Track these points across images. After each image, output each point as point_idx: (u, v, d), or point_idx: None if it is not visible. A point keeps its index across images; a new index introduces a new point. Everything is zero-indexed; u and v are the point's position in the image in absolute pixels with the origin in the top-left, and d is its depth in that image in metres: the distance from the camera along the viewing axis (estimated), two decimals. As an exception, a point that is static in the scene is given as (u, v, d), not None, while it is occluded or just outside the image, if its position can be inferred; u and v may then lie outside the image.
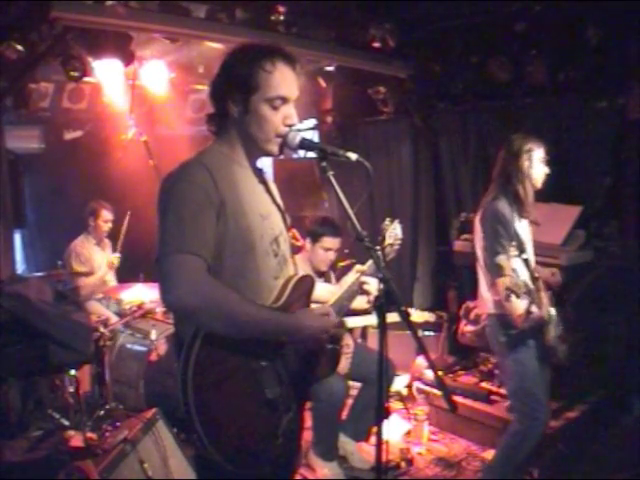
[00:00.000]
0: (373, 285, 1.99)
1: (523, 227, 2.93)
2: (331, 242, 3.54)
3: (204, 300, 1.55)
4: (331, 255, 3.58)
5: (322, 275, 3.64)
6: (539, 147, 2.94)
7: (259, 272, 1.73)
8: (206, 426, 1.56)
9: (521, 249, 2.78)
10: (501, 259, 2.63)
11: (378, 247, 2.22)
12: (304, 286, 1.88)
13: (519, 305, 2.74)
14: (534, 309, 2.73)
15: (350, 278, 2.07)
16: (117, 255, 4.74)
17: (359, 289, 2.03)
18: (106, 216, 4.77)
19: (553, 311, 2.88)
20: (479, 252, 2.97)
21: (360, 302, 2.07)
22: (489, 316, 3.00)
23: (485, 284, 2.97)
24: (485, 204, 2.95)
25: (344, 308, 2.02)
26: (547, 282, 2.98)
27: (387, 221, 2.35)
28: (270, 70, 1.69)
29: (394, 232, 2.34)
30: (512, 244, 2.74)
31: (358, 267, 2.06)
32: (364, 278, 2.02)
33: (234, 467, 1.61)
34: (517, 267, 2.80)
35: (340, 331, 3.56)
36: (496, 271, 2.72)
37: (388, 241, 2.30)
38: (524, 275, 2.81)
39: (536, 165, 2.92)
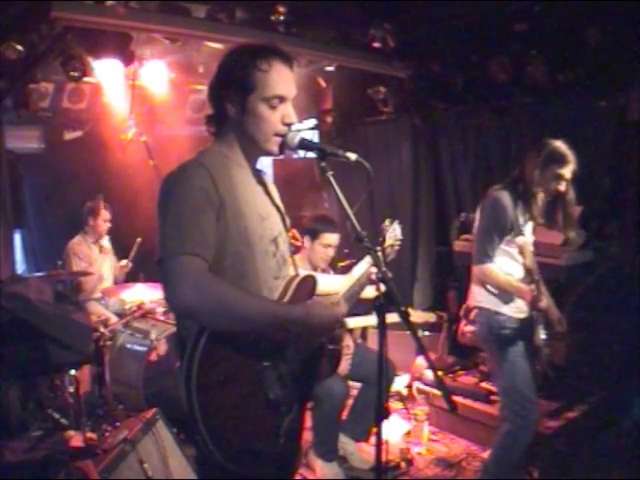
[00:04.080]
0: None
1: (526, 227, 2.92)
2: (330, 238, 3.54)
3: (207, 299, 1.55)
4: (330, 252, 3.57)
5: (320, 268, 3.63)
6: (564, 165, 2.85)
7: (258, 273, 1.73)
8: (209, 425, 1.56)
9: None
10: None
11: (379, 248, 2.23)
12: (307, 286, 1.88)
13: (498, 275, 2.84)
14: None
15: (361, 268, 2.07)
16: (125, 262, 4.82)
17: (368, 279, 2.03)
18: (105, 215, 4.79)
19: (540, 315, 2.89)
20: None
21: (370, 292, 2.08)
22: (480, 310, 3.00)
23: (474, 275, 2.98)
24: (490, 192, 2.96)
25: (354, 298, 2.03)
26: (552, 322, 2.97)
27: (387, 222, 2.35)
28: (266, 69, 1.69)
29: (394, 233, 2.35)
30: (508, 235, 2.75)
31: (369, 258, 2.07)
32: (373, 268, 2.03)
33: (236, 467, 1.61)
34: (508, 259, 2.85)
35: (341, 331, 3.57)
36: (484, 254, 2.82)
37: (388, 242, 2.31)
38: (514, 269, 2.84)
39: (550, 180, 2.87)
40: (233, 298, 1.60)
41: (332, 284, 2.14)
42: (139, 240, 4.78)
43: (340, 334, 3.52)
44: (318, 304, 1.76)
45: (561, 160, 2.86)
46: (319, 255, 3.55)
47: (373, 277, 2.01)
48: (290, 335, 1.68)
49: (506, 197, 2.85)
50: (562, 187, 2.89)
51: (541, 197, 2.89)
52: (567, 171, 2.87)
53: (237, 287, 1.64)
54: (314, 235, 3.55)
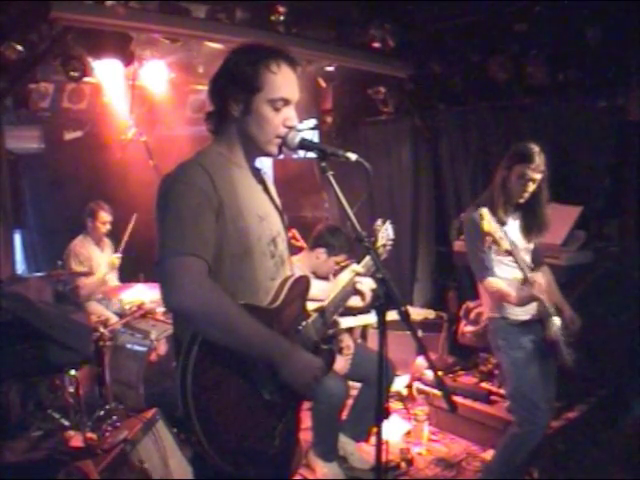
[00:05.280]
0: (366, 285, 1.99)
1: (511, 231, 2.84)
2: (344, 257, 3.55)
3: (206, 305, 1.55)
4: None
5: (323, 278, 3.62)
6: (529, 164, 2.73)
7: (256, 274, 1.73)
8: (205, 428, 1.56)
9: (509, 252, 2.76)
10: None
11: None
12: (300, 287, 1.87)
13: (498, 283, 2.79)
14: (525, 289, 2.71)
15: (345, 277, 2.07)
16: (118, 255, 4.74)
17: (353, 289, 2.02)
18: (104, 217, 4.75)
19: (554, 309, 2.87)
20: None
21: (355, 301, 2.07)
22: (488, 319, 3.01)
23: (482, 290, 2.98)
24: (467, 211, 2.92)
25: (339, 308, 2.02)
26: (567, 327, 2.93)
27: (379, 222, 2.37)
28: (275, 71, 1.69)
29: (386, 233, 2.36)
30: (496, 247, 2.72)
31: (353, 267, 2.07)
32: (358, 278, 2.02)
33: (233, 468, 1.61)
34: (503, 266, 2.84)
35: (336, 331, 3.57)
36: (482, 270, 2.81)
37: (380, 242, 2.33)
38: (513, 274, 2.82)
39: (515, 182, 2.77)
40: (229, 312, 1.59)
41: (317, 292, 2.09)
42: (135, 215, 4.65)
43: (335, 333, 3.55)
44: (305, 353, 1.72)
45: (525, 159, 2.74)
46: (329, 269, 3.53)
47: (358, 287, 2.01)
48: (272, 364, 1.65)
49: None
50: (529, 188, 2.78)
51: (502, 201, 2.80)
52: (531, 171, 2.74)
53: (233, 297, 1.63)
54: (334, 252, 3.49)
